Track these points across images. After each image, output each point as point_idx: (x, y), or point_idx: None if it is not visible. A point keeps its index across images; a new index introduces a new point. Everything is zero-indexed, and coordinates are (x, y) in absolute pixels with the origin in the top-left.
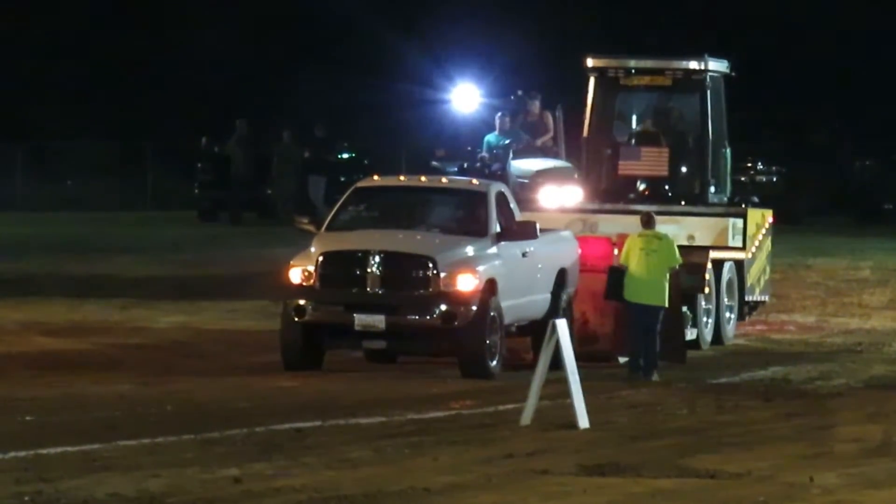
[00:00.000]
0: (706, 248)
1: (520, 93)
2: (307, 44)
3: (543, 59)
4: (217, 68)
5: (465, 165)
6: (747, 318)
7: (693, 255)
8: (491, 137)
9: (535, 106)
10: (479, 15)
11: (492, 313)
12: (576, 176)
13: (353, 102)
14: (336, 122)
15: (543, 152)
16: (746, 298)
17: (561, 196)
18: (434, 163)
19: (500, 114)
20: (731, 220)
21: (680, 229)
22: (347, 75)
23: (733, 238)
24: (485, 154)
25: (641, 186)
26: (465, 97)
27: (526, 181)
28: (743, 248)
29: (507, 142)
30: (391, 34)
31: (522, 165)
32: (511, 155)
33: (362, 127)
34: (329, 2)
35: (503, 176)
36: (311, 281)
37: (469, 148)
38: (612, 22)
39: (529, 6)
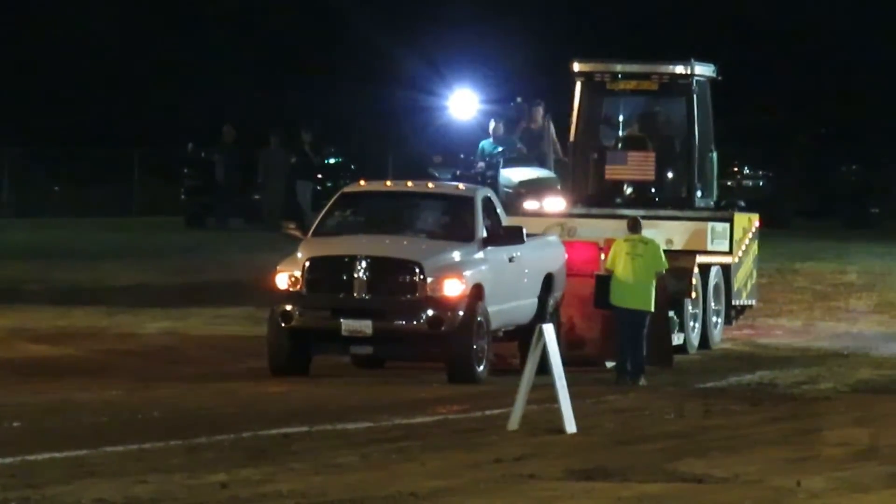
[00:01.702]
0: (693, 253)
1: (519, 100)
2: (303, 49)
3: (542, 65)
4: (206, 73)
5: (458, 172)
6: (734, 322)
7: (680, 259)
8: (485, 144)
9: (538, 113)
10: (477, 20)
11: (479, 318)
12: (558, 187)
13: (347, 108)
14: (326, 128)
15: (539, 161)
16: (733, 303)
17: (541, 207)
18: (431, 169)
19: (493, 120)
20: (710, 223)
21: (658, 233)
22: (342, 81)
23: (712, 242)
24: (480, 162)
25: (628, 191)
26: (462, 103)
27: (510, 191)
28: (728, 253)
29: (500, 149)
30: (387, 39)
31: (508, 175)
32: (502, 163)
33: (353, 132)
34: (325, 6)
35: (495, 184)
36: (298, 286)
37: (462, 155)
38: (604, 27)
39: (528, 12)
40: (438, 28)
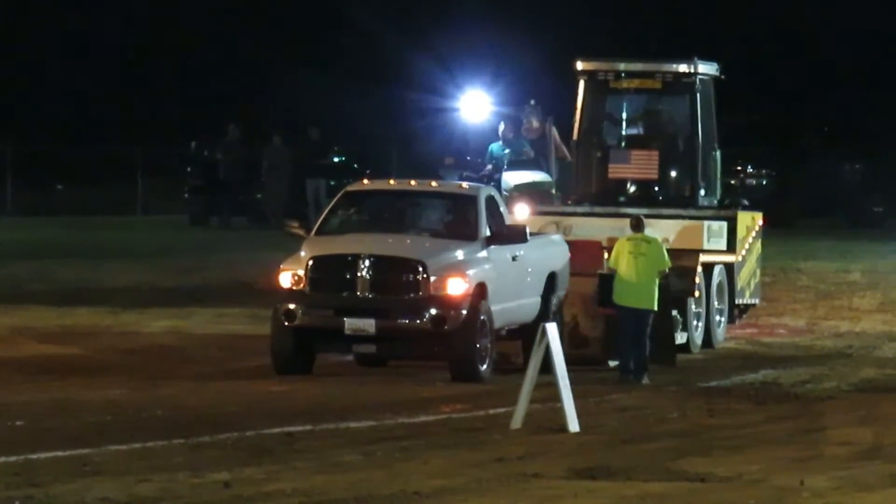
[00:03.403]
0: (696, 252)
1: (532, 102)
2: (310, 48)
3: (556, 66)
4: (212, 72)
5: (464, 174)
6: (737, 321)
7: (683, 258)
8: (495, 147)
9: (532, 122)
10: (490, 21)
11: (482, 317)
12: (553, 191)
13: (353, 107)
14: (332, 127)
15: (545, 164)
16: (737, 302)
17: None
18: (441, 171)
19: (502, 123)
20: (706, 222)
21: (654, 232)
22: (351, 80)
23: (709, 240)
24: (489, 164)
25: (632, 189)
26: (474, 105)
27: (507, 194)
28: (728, 251)
29: (506, 151)
30: (398, 39)
31: (506, 178)
32: (504, 166)
33: (360, 132)
34: (336, 6)
35: (499, 187)
36: (302, 285)
37: (469, 157)
38: (613, 26)
39: (539, 13)
40: (450, 28)
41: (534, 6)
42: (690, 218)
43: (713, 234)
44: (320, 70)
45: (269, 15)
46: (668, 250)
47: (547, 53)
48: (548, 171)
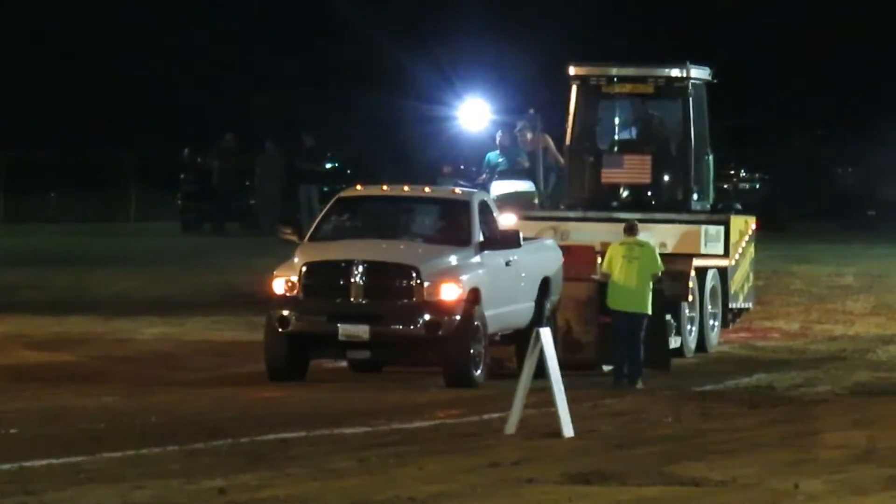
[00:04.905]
0: (690, 256)
1: (531, 111)
2: (309, 55)
3: (554, 74)
4: (206, 77)
5: (459, 183)
6: (731, 325)
7: (676, 262)
8: (491, 155)
9: (526, 136)
10: (490, 30)
11: (476, 322)
12: (536, 201)
13: (351, 115)
14: (327, 133)
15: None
16: (730, 306)
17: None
18: (439, 180)
19: (499, 132)
20: (703, 226)
21: (651, 236)
22: (351, 88)
23: (706, 245)
24: (484, 174)
25: (625, 194)
26: (473, 113)
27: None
28: (724, 256)
29: (500, 160)
30: (396, 47)
31: (493, 188)
32: (496, 176)
33: (353, 138)
34: (335, 14)
35: None
36: (295, 291)
37: (462, 167)
38: (607, 31)
39: (538, 21)
40: (450, 37)
41: (533, 14)
42: (686, 222)
43: (710, 239)
44: (319, 77)
45: (266, 20)
46: (661, 254)
47: (546, 61)
48: (537, 182)
